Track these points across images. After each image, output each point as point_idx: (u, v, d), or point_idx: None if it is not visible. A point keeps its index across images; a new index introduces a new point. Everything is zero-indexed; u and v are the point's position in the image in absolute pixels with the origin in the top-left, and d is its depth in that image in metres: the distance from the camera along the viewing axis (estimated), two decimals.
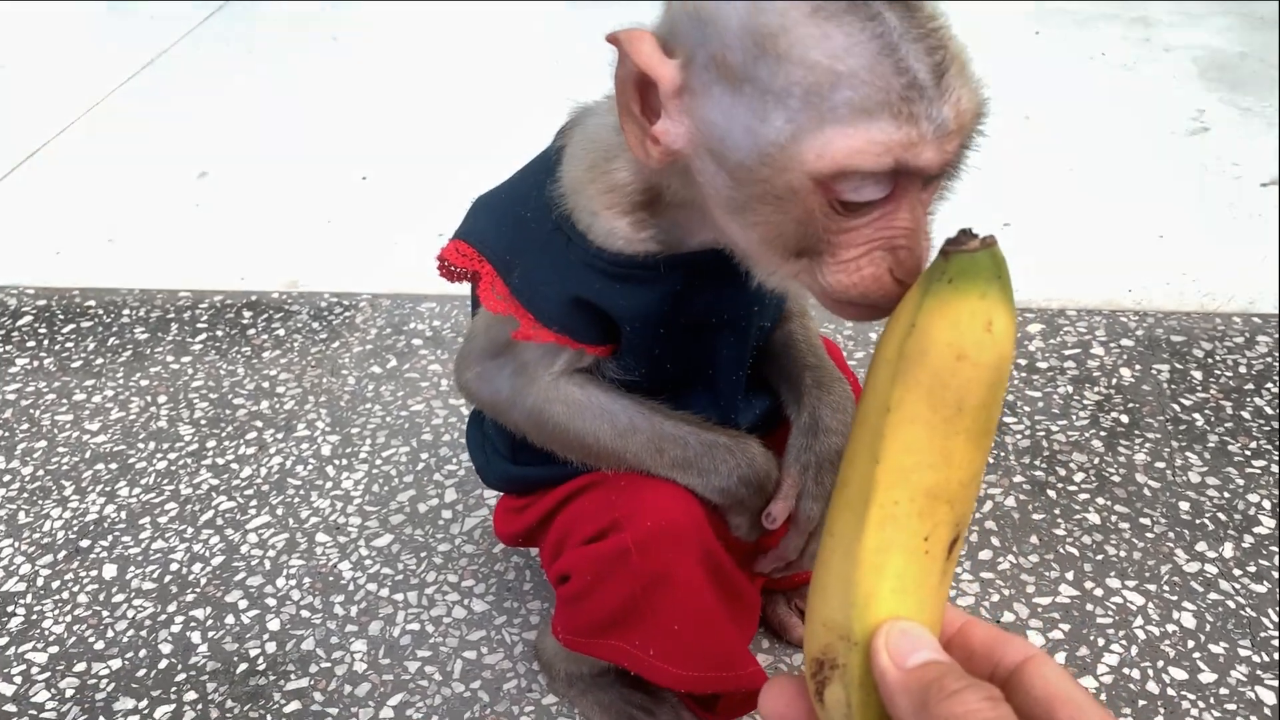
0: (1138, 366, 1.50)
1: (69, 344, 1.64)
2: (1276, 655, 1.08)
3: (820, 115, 0.56)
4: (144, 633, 1.16)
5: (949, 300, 0.55)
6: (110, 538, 1.28)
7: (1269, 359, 1.50)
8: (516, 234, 0.81)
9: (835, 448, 0.87)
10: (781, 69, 0.57)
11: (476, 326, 0.89)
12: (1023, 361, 1.51)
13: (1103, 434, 1.38)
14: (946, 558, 0.56)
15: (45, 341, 1.64)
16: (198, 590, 1.21)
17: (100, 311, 1.71)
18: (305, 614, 1.17)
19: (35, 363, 1.60)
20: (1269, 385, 1.45)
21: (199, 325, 1.67)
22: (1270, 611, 1.13)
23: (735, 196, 0.63)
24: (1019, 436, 1.37)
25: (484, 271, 0.81)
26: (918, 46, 0.57)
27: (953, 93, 0.58)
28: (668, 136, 0.64)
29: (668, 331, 0.81)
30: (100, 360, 1.60)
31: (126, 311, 1.71)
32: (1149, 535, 1.23)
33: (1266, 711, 1.03)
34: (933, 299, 0.56)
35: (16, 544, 1.28)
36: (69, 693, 1.10)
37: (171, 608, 1.19)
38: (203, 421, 1.46)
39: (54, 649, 1.14)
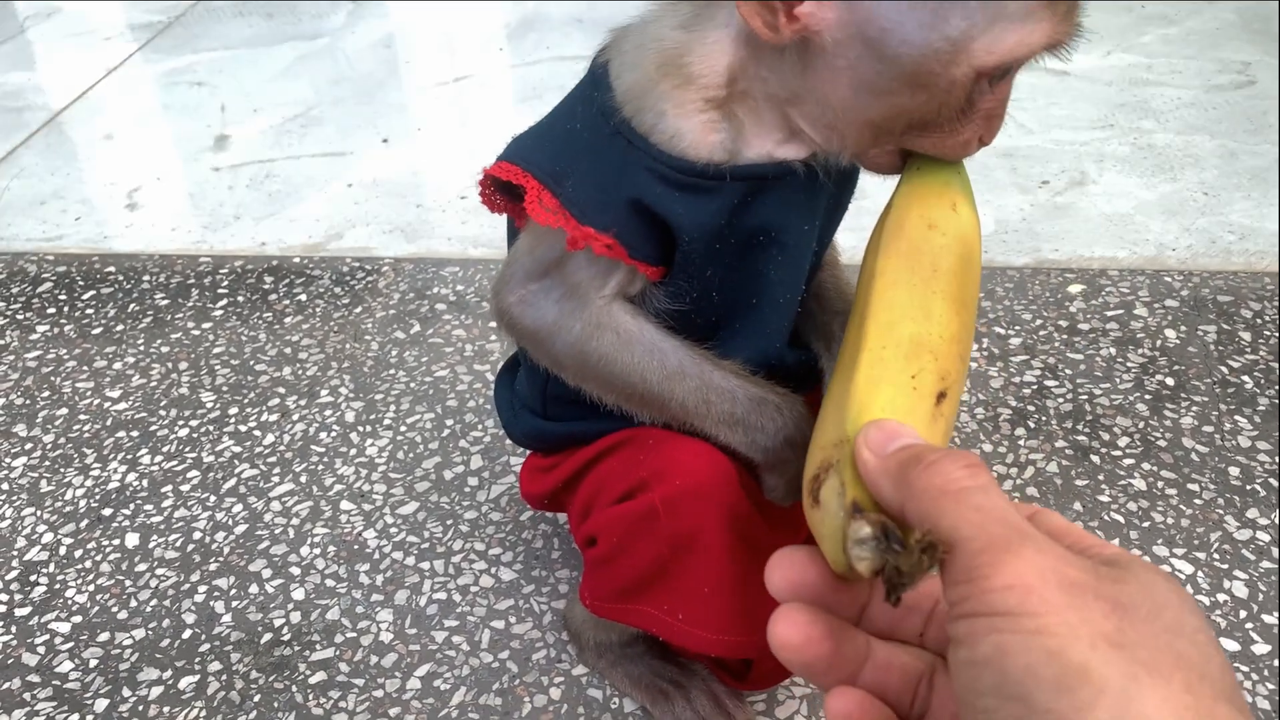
0: (1183, 327, 1.45)
1: (89, 310, 1.62)
2: None
3: (994, 14, 0.61)
4: (167, 602, 1.14)
5: (918, 185, 0.68)
6: (132, 506, 1.26)
7: None
8: (567, 146, 0.77)
9: None
10: None
11: (519, 248, 0.83)
12: (1064, 324, 1.46)
13: (1147, 397, 1.33)
14: (935, 405, 0.60)
15: (65, 308, 1.63)
16: (221, 559, 1.19)
17: (120, 278, 1.69)
18: (330, 583, 1.15)
19: (56, 330, 1.58)
20: None
21: (220, 291, 1.64)
22: None
23: (880, 79, 0.65)
24: (1060, 400, 1.33)
25: (530, 185, 0.76)
26: None
27: None
28: (814, 19, 0.64)
29: (722, 248, 0.77)
30: (121, 327, 1.57)
31: (146, 277, 1.69)
32: (1197, 502, 1.19)
33: None
34: (904, 187, 0.68)
35: (39, 512, 1.26)
36: (92, 663, 1.08)
37: (195, 577, 1.17)
38: (224, 388, 1.44)
39: (77, 619, 1.13)
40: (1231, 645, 1.03)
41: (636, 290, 0.80)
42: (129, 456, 1.33)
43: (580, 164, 0.75)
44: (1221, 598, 1.08)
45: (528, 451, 1.02)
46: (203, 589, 1.15)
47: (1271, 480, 1.21)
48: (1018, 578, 0.38)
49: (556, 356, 0.83)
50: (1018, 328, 1.46)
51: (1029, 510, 0.48)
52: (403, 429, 1.35)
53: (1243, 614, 1.06)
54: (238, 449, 1.33)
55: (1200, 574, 1.10)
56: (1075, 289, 1.53)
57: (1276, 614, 1.06)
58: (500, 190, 0.81)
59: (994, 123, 0.68)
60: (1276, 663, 1.01)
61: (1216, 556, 1.12)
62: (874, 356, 0.61)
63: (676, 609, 0.84)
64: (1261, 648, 1.03)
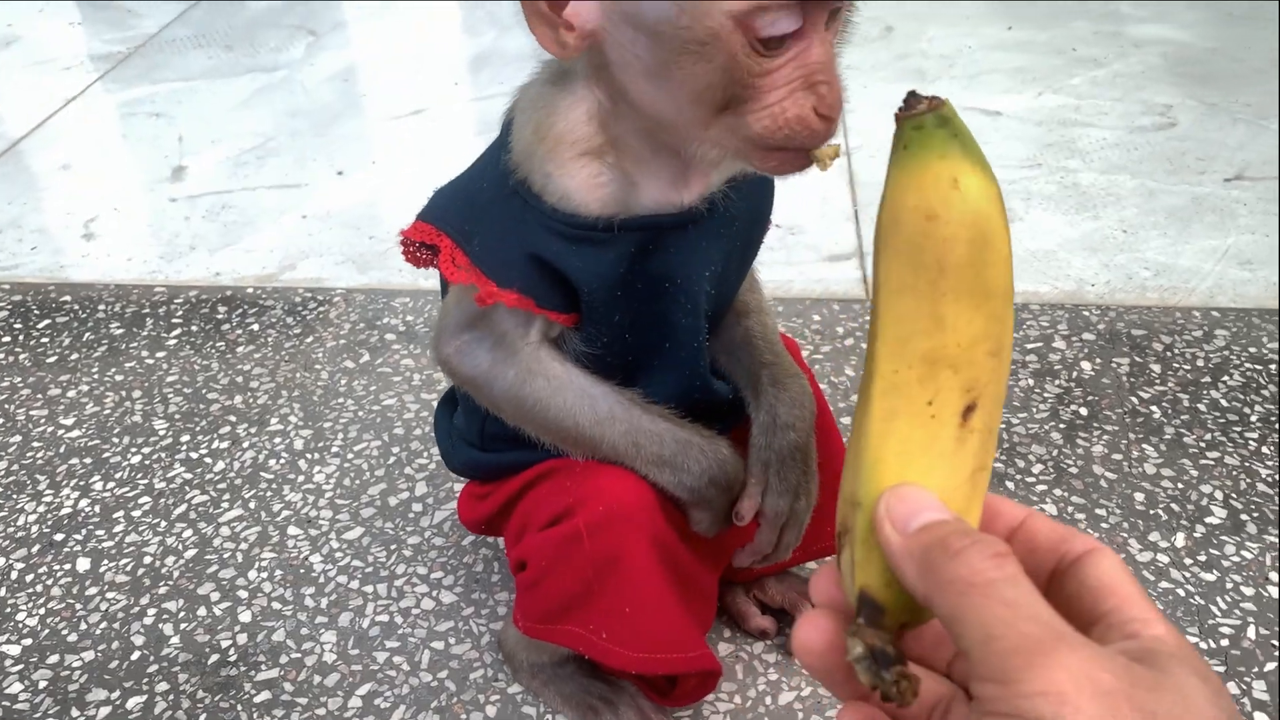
0: (1098, 360, 1.53)
1: (44, 339, 1.65)
2: (1224, 643, 1.11)
3: None
4: (117, 625, 1.18)
5: (908, 166, 0.56)
6: (84, 531, 1.30)
7: (1226, 352, 1.53)
8: (474, 205, 0.83)
9: (793, 442, 0.89)
10: None
11: (448, 302, 0.90)
12: None
13: (1062, 426, 1.41)
14: (961, 424, 0.54)
15: (20, 337, 1.66)
16: (170, 583, 1.23)
17: (76, 307, 1.73)
18: (276, 606, 1.19)
19: (10, 358, 1.61)
20: (1225, 378, 1.48)
21: (174, 320, 1.68)
22: (1219, 599, 1.16)
23: (658, 57, 0.66)
24: None
25: (443, 245, 0.82)
26: None
27: None
28: (579, 17, 0.67)
29: (625, 295, 0.83)
30: (75, 355, 1.61)
31: (102, 307, 1.72)
32: (1104, 525, 1.26)
33: None
34: (894, 169, 0.57)
35: None
36: (42, 684, 1.11)
37: (144, 600, 1.21)
38: (177, 416, 1.48)
39: (27, 641, 1.16)
40: None
41: (556, 335, 0.86)
42: (81, 483, 1.37)
43: (485, 222, 0.82)
44: None
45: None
46: (152, 612, 1.19)
47: (1173, 505, 1.28)
48: (1052, 684, 0.36)
49: (495, 400, 0.89)
50: None
51: (1024, 514, 0.49)
52: (350, 456, 1.39)
53: None
54: (189, 475, 1.37)
55: None
56: None
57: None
58: (423, 246, 0.87)
59: (820, 89, 0.66)
60: None
61: None
62: (886, 384, 0.55)
63: (600, 628, 0.89)
64: None
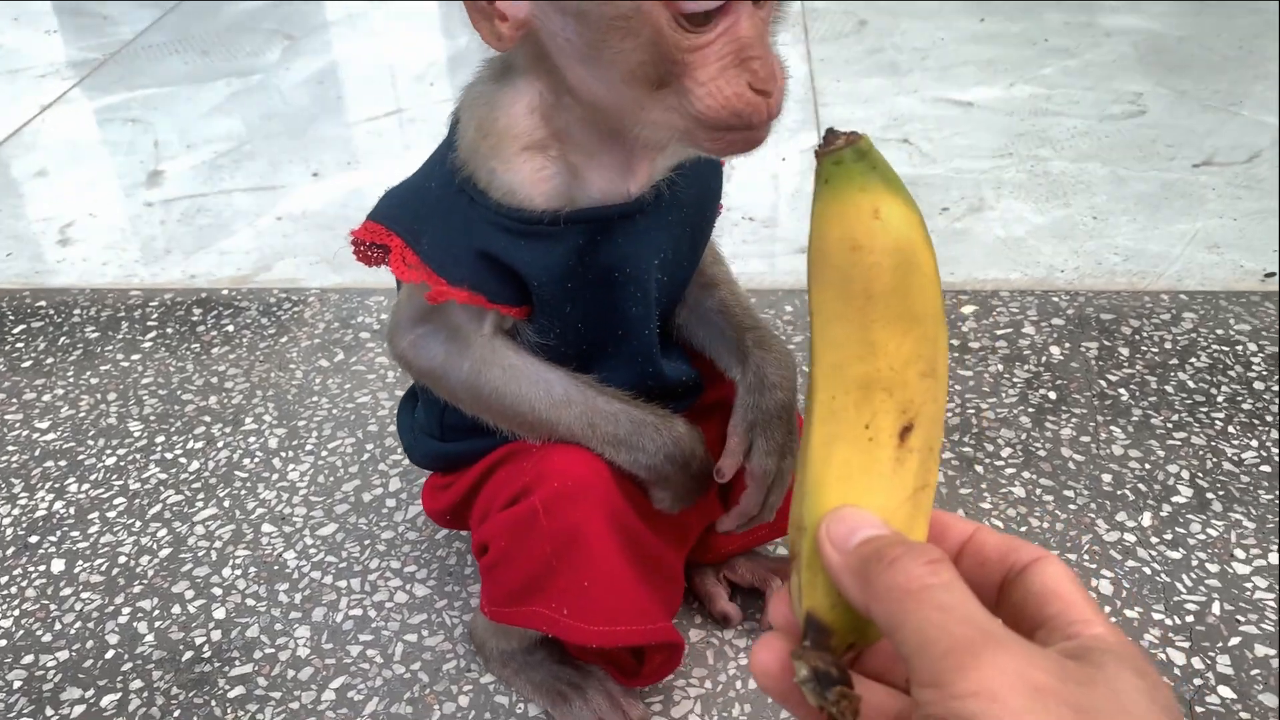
0: (1067, 344, 1.54)
1: (19, 344, 1.65)
2: (1189, 619, 1.13)
3: None
4: (91, 624, 1.18)
5: (831, 200, 0.58)
6: (59, 533, 1.30)
7: (1193, 335, 1.54)
8: (423, 204, 0.84)
9: (780, 402, 0.90)
10: None
11: (401, 297, 0.91)
12: (956, 342, 1.55)
13: (1031, 410, 1.42)
14: (899, 445, 0.56)
15: None
16: (145, 582, 1.23)
17: (51, 311, 1.73)
18: (250, 602, 1.20)
19: None
20: (1192, 360, 1.49)
21: (149, 323, 1.69)
22: (1184, 577, 1.17)
23: (587, 39, 0.67)
24: (949, 414, 1.41)
25: (393, 244, 0.83)
26: None
27: None
28: (511, 7, 0.68)
29: (575, 287, 0.84)
30: (50, 360, 1.61)
31: (77, 311, 1.73)
32: (1072, 507, 1.27)
33: (1176, 672, 1.07)
34: (818, 203, 0.59)
35: None
36: (16, 684, 1.12)
37: (119, 599, 1.21)
38: (152, 418, 1.48)
39: (1, 642, 1.17)
40: None
41: (507, 327, 0.87)
42: (56, 485, 1.37)
43: (434, 221, 0.83)
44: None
45: None
46: (126, 611, 1.20)
47: (1140, 485, 1.29)
48: (983, 684, 0.37)
49: (452, 391, 0.90)
50: None
51: (972, 529, 0.50)
52: (324, 454, 1.40)
53: (1107, 609, 1.14)
54: (163, 476, 1.38)
55: None
56: (968, 309, 1.62)
57: (1137, 609, 1.14)
58: (374, 246, 0.88)
59: (753, 64, 0.66)
60: None
61: (1086, 557, 1.21)
62: (825, 410, 0.57)
63: (562, 605, 0.89)
64: None
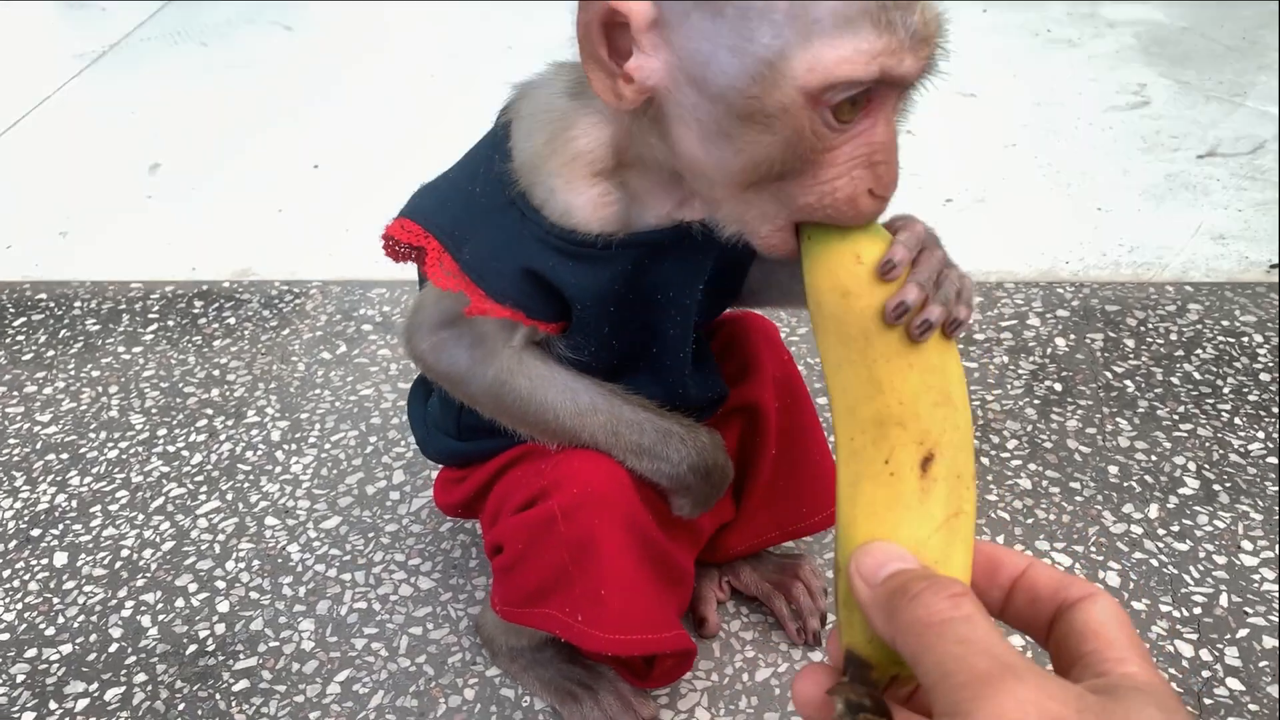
0: (1072, 336, 1.53)
1: (20, 337, 1.64)
2: (1196, 611, 1.12)
3: (806, 28, 0.58)
4: (94, 618, 1.18)
5: (816, 255, 0.62)
6: (61, 526, 1.29)
7: (1199, 326, 1.54)
8: (466, 210, 0.81)
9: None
10: None
11: (425, 298, 0.87)
12: (960, 333, 1.54)
13: (1036, 402, 1.41)
14: (921, 475, 0.58)
15: None
16: (148, 575, 1.22)
17: (51, 304, 1.72)
18: (254, 595, 1.19)
19: None
20: (1198, 351, 1.49)
21: (150, 316, 1.68)
22: (1191, 568, 1.17)
23: (720, 123, 0.63)
24: None
25: (430, 248, 0.80)
26: None
27: (919, 3, 0.60)
28: (642, 73, 0.64)
29: (618, 310, 0.82)
30: (51, 352, 1.60)
31: (78, 304, 1.72)
32: (1078, 499, 1.27)
33: (1184, 664, 1.07)
34: (806, 260, 0.63)
35: None
36: (20, 678, 1.11)
37: (122, 593, 1.20)
38: (153, 410, 1.47)
39: (4, 636, 1.16)
40: None
41: (539, 339, 0.85)
42: (58, 478, 1.37)
43: (478, 231, 0.80)
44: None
45: None
46: (130, 604, 1.19)
47: (1147, 477, 1.29)
48: (999, 714, 0.37)
49: (472, 396, 0.88)
50: None
51: (1025, 563, 0.49)
52: (327, 446, 1.39)
53: None
54: (166, 469, 1.37)
55: (1077, 565, 1.18)
56: (973, 301, 1.61)
57: (1144, 601, 1.14)
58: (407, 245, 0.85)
59: (879, 169, 0.62)
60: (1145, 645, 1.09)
61: (1093, 549, 1.20)
62: (847, 452, 0.60)
63: (576, 611, 0.89)
64: None
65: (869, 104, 0.61)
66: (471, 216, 0.81)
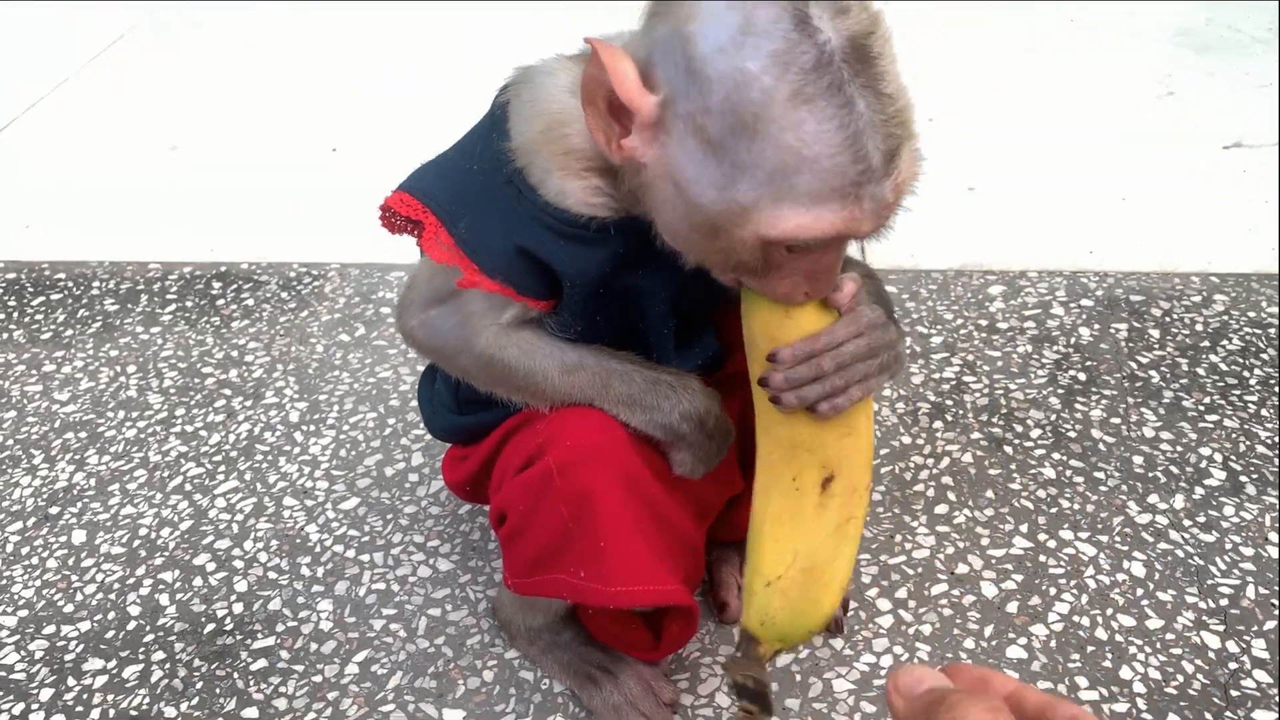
0: (1096, 326, 1.52)
1: (39, 316, 1.64)
2: (1223, 602, 1.11)
3: (780, 193, 0.65)
4: (113, 596, 1.17)
5: (754, 303, 0.76)
6: (80, 504, 1.29)
7: (1225, 317, 1.52)
8: (464, 187, 0.83)
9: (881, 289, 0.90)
10: (755, 145, 0.64)
11: (419, 275, 0.90)
12: (983, 322, 1.53)
13: (1060, 391, 1.40)
14: (821, 492, 0.75)
15: (15, 314, 1.65)
16: (166, 554, 1.22)
17: (70, 284, 1.72)
18: (272, 575, 1.19)
19: (4, 335, 1.60)
20: (1224, 342, 1.47)
21: (169, 296, 1.68)
22: (1218, 560, 1.16)
23: (687, 223, 0.70)
24: (977, 395, 1.40)
25: (428, 222, 0.83)
26: (878, 134, 0.64)
27: (897, 171, 0.66)
28: (635, 152, 0.69)
29: (607, 292, 0.84)
30: (70, 332, 1.60)
31: (96, 284, 1.72)
32: (1102, 489, 1.25)
33: (1210, 655, 1.06)
34: (745, 302, 0.77)
35: None
36: (38, 654, 1.11)
37: (140, 571, 1.20)
38: (171, 390, 1.47)
39: (23, 612, 1.16)
40: (1128, 620, 1.09)
41: (530, 317, 0.86)
42: (77, 457, 1.37)
43: (475, 207, 0.82)
44: (1120, 577, 1.14)
45: None
46: (148, 583, 1.19)
47: (1172, 468, 1.28)
48: None
49: (464, 369, 0.91)
50: (939, 327, 1.52)
51: (1012, 685, 0.52)
52: (345, 428, 1.39)
53: (1139, 591, 1.13)
54: (184, 448, 1.37)
55: (1101, 555, 1.17)
56: (996, 290, 1.60)
57: (1170, 592, 1.12)
58: (405, 217, 0.86)
59: (817, 282, 0.72)
60: (1170, 637, 1.08)
61: (1118, 539, 1.19)
62: (765, 463, 0.77)
63: (579, 568, 0.88)
64: (1155, 622, 1.09)
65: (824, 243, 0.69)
66: (469, 193, 0.83)
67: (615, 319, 0.87)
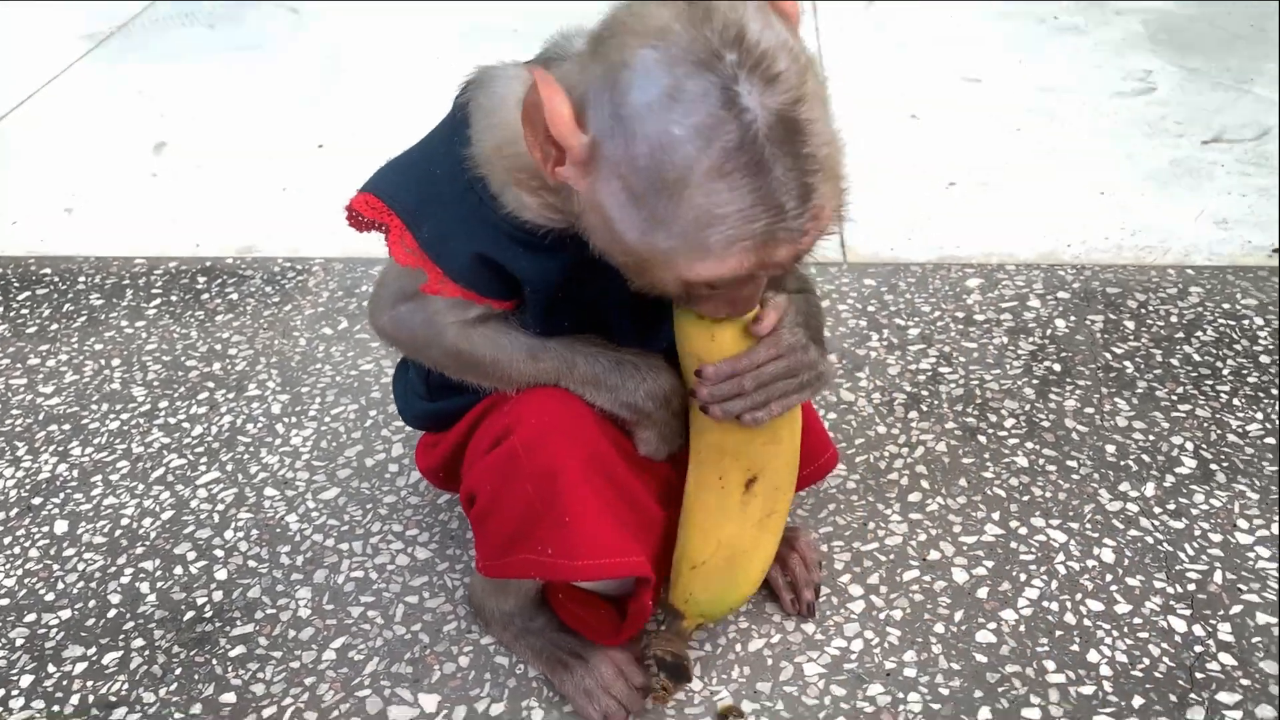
0: (1072, 317, 1.53)
1: (24, 310, 1.65)
2: (1190, 587, 1.12)
3: (693, 245, 0.69)
4: (93, 584, 1.19)
5: (683, 320, 0.84)
6: (62, 495, 1.30)
7: (1200, 309, 1.54)
8: (427, 189, 0.85)
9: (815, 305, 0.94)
10: (673, 204, 0.67)
11: (387, 274, 0.94)
12: (960, 314, 1.54)
13: (1035, 382, 1.41)
14: (745, 491, 0.88)
15: (1, 309, 1.66)
16: (147, 543, 1.23)
17: (56, 279, 1.73)
18: (252, 564, 1.20)
19: None
20: (1198, 333, 1.49)
21: (154, 291, 1.69)
22: (1186, 546, 1.17)
23: (615, 247, 0.74)
24: (952, 385, 1.41)
25: (393, 225, 0.85)
26: (794, 184, 0.66)
27: (815, 204, 0.68)
28: (568, 177, 0.72)
29: (566, 297, 0.87)
30: (55, 326, 1.61)
31: (82, 279, 1.73)
32: (1074, 477, 1.27)
33: (1177, 639, 1.07)
34: (677, 320, 0.85)
35: None
36: (19, 642, 1.12)
37: (121, 560, 1.21)
38: (155, 383, 1.48)
39: (4, 601, 1.17)
40: (1096, 605, 1.11)
41: (496, 313, 0.89)
42: (60, 449, 1.38)
43: (438, 211, 0.84)
44: (1090, 563, 1.16)
45: None
46: (129, 571, 1.20)
47: (1144, 456, 1.29)
48: None
49: (434, 360, 0.94)
50: (917, 319, 1.54)
51: None
52: (327, 419, 1.40)
53: (1109, 577, 1.14)
54: (166, 440, 1.38)
55: (1072, 542, 1.18)
56: (974, 283, 1.61)
57: (1139, 578, 1.14)
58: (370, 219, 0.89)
59: (738, 306, 0.79)
60: (1138, 621, 1.09)
61: (1089, 526, 1.20)
62: (695, 462, 0.89)
63: (546, 545, 0.90)
64: (1123, 607, 1.11)
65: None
66: (432, 196, 0.85)
67: (576, 318, 0.90)
